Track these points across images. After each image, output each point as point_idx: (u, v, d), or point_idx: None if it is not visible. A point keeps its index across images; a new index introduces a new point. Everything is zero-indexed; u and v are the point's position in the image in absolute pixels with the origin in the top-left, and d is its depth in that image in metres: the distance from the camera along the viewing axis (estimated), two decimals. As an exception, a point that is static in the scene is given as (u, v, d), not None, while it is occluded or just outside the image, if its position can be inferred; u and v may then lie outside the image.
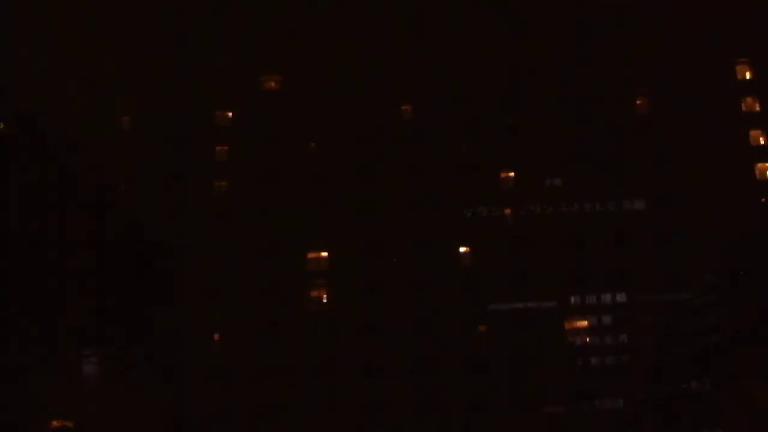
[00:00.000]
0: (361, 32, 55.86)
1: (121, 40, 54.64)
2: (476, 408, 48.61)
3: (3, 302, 24.97)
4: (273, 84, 56.43)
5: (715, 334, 47.76)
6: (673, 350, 49.42)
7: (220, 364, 49.23)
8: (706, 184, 51.72)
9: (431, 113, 54.61)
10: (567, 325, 50.95)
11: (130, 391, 45.07)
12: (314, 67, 55.35)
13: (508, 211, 53.08)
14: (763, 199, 52.70)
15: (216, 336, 50.92)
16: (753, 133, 54.80)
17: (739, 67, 56.35)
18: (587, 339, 51.08)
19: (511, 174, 53.77)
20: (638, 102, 55.85)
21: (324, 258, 52.31)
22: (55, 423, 43.56)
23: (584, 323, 51.10)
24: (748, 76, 56.42)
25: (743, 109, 55.49)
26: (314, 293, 51.97)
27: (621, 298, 51.32)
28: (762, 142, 54.74)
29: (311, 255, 52.30)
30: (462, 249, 52.53)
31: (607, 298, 51.31)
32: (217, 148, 54.44)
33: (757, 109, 55.45)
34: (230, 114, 55.42)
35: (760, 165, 53.85)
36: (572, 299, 51.33)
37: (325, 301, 51.89)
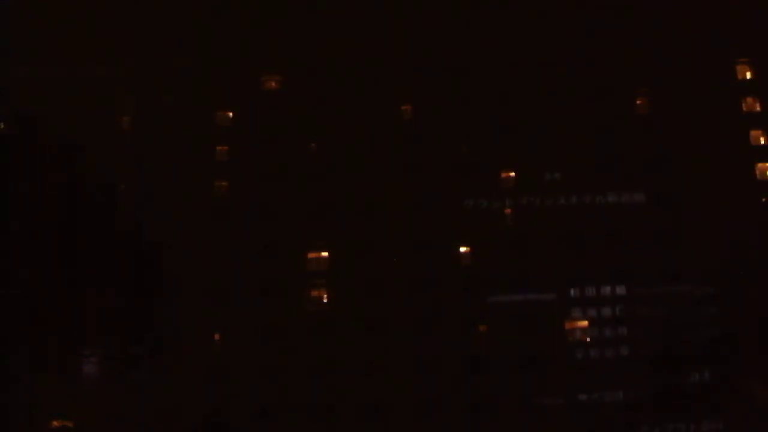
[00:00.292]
0: (361, 32, 55.88)
1: (121, 40, 54.62)
2: (476, 408, 48.62)
3: (3, 302, 24.99)
4: (273, 84, 56.45)
5: (715, 326, 47.89)
6: (673, 343, 49.42)
7: (220, 364, 49.21)
8: (706, 185, 51.78)
9: (431, 113, 54.62)
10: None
11: (130, 391, 45.13)
12: (314, 67, 55.37)
13: (508, 211, 53.10)
14: (763, 199, 52.73)
15: (216, 336, 50.90)
16: (753, 133, 54.83)
17: (739, 67, 56.38)
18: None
19: (512, 174, 53.75)
20: (638, 102, 55.86)
21: (324, 258, 52.30)
22: (55, 423, 43.62)
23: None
24: (748, 76, 56.45)
25: (743, 109, 55.52)
26: (314, 293, 51.97)
27: (621, 290, 51.39)
28: (762, 142, 54.77)
29: (311, 255, 52.29)
30: (462, 249, 52.53)
31: (606, 290, 51.42)
32: (217, 148, 54.45)
33: (757, 109, 55.49)
34: (230, 114, 55.43)
35: (760, 165, 53.88)
36: (572, 291, 51.39)
37: (325, 301, 51.88)
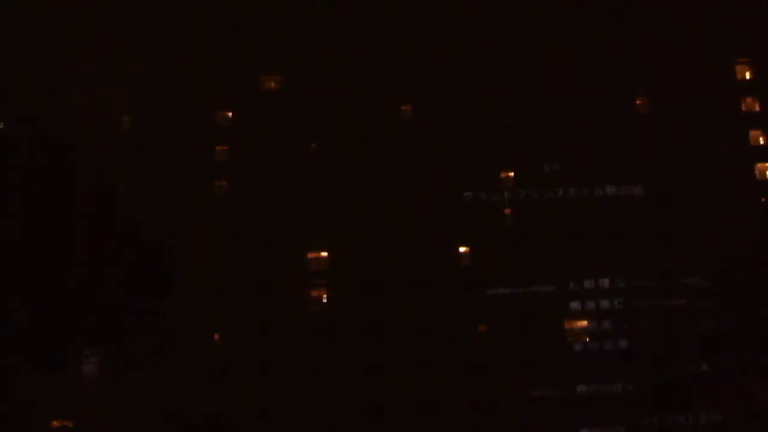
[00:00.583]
0: (361, 32, 55.89)
1: (122, 40, 54.65)
2: (476, 408, 48.60)
3: (3, 302, 24.97)
4: (273, 84, 56.45)
5: (714, 320, 47.97)
6: (672, 335, 49.47)
7: (220, 364, 49.20)
8: (706, 185, 51.81)
9: (431, 113, 54.62)
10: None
11: (130, 391, 45.10)
12: (314, 67, 55.38)
13: (507, 211, 53.14)
14: (763, 199, 52.72)
15: (216, 336, 50.90)
16: (753, 133, 54.83)
17: (739, 67, 56.39)
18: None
19: (511, 174, 53.80)
20: (638, 102, 55.88)
21: (324, 258, 52.30)
22: (55, 423, 43.63)
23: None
24: (748, 76, 56.45)
25: (743, 109, 55.53)
26: (314, 293, 51.96)
27: (619, 283, 51.51)
28: (762, 142, 54.77)
29: (311, 255, 52.29)
30: (462, 249, 52.53)
31: (605, 282, 51.52)
32: (217, 148, 54.46)
33: (757, 109, 55.49)
34: (230, 114, 55.43)
35: (760, 165, 53.88)
36: (571, 284, 51.45)
37: (325, 301, 51.87)
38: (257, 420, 48.12)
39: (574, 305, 51.21)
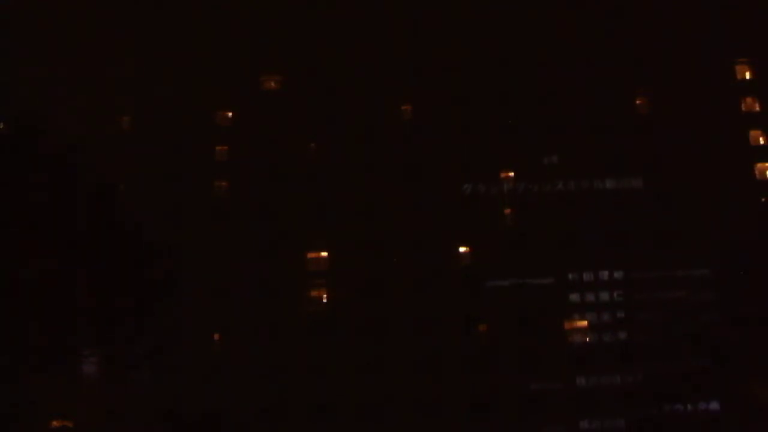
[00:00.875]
0: (361, 32, 55.88)
1: (122, 40, 54.63)
2: (476, 408, 48.61)
3: (3, 302, 24.97)
4: (273, 84, 56.45)
5: (714, 311, 48.04)
6: (671, 327, 49.51)
7: (220, 364, 49.19)
8: (706, 184, 51.85)
9: (431, 113, 54.62)
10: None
11: (130, 391, 45.07)
12: (314, 67, 55.37)
13: (507, 208, 53.20)
14: (763, 199, 52.73)
15: (216, 336, 50.90)
16: (753, 133, 54.85)
17: (739, 67, 56.40)
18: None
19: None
20: (638, 101, 55.91)
21: (324, 258, 52.31)
22: (55, 423, 43.59)
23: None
24: (748, 76, 56.46)
25: (743, 109, 55.54)
26: (314, 293, 51.96)
27: (618, 275, 51.68)
28: (762, 142, 54.77)
29: (311, 255, 52.29)
30: (462, 249, 52.54)
31: (604, 275, 51.57)
32: (217, 148, 54.46)
33: (757, 109, 55.50)
34: (230, 114, 55.43)
35: (760, 165, 53.89)
36: (570, 276, 51.47)
37: (325, 301, 51.87)
38: (257, 420, 48.12)
39: (574, 297, 51.35)
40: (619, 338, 50.69)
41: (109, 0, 55.36)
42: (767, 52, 55.83)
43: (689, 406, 48.20)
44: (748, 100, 55.71)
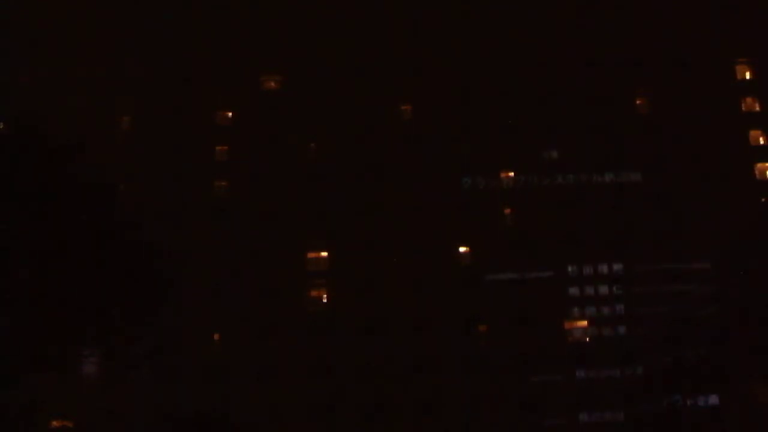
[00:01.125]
0: (361, 32, 55.87)
1: (122, 40, 54.63)
2: (474, 408, 48.59)
3: (3, 303, 24.96)
4: (273, 84, 56.45)
5: (714, 304, 48.08)
6: (670, 320, 49.59)
7: (220, 364, 49.18)
8: (706, 185, 51.88)
9: (431, 113, 54.62)
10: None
11: (130, 391, 45.07)
12: (314, 67, 55.37)
13: (507, 211, 53.27)
14: (763, 199, 52.74)
15: (216, 336, 50.89)
16: (753, 133, 54.86)
17: (739, 67, 56.41)
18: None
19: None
20: (638, 101, 55.94)
21: (324, 258, 52.30)
22: (55, 423, 43.57)
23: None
24: (748, 76, 56.47)
25: (743, 109, 55.55)
26: (314, 293, 51.95)
27: (618, 268, 51.79)
28: (762, 142, 54.78)
29: (311, 255, 52.28)
30: (462, 249, 52.54)
31: (603, 268, 51.64)
32: (217, 148, 54.45)
33: (757, 109, 55.52)
34: (230, 114, 55.43)
35: (760, 165, 53.90)
36: (569, 269, 51.54)
37: (325, 301, 51.86)
38: (257, 420, 48.07)
39: (573, 290, 51.44)
40: (619, 333, 50.75)
41: (109, 0, 55.35)
42: (767, 52, 55.81)
43: (689, 400, 48.24)
44: (748, 100, 55.72)
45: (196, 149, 53.64)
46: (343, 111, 54.31)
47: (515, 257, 51.33)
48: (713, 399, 48.26)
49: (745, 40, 55.32)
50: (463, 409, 48.58)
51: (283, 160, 53.63)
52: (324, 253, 52.35)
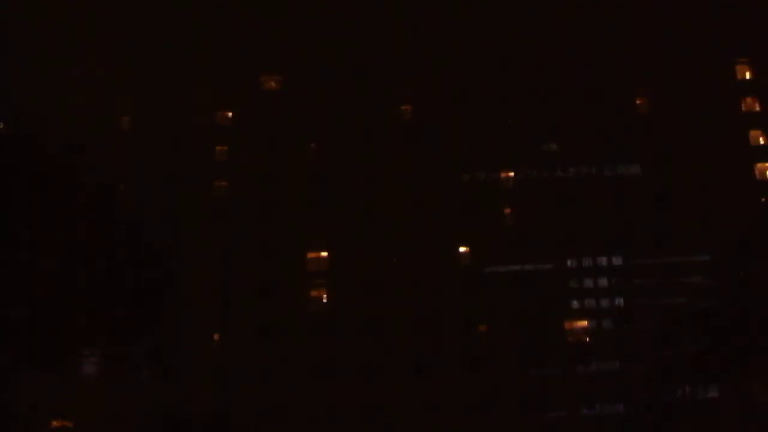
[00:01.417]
0: (361, 32, 55.86)
1: (122, 40, 54.62)
2: (475, 407, 48.61)
3: (3, 302, 24.97)
4: (273, 84, 56.44)
5: (713, 297, 48.10)
6: (670, 313, 49.62)
7: (220, 364, 49.18)
8: (706, 185, 51.92)
9: (431, 113, 54.62)
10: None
11: (130, 391, 45.10)
12: (314, 67, 55.36)
13: (507, 210, 53.31)
14: (763, 199, 52.73)
15: (216, 336, 50.88)
16: (753, 133, 54.85)
17: (739, 67, 56.40)
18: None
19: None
20: (638, 102, 55.94)
21: (324, 258, 52.29)
22: (55, 423, 43.60)
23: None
24: (748, 76, 56.46)
25: (743, 109, 55.54)
26: (314, 293, 51.94)
27: (617, 261, 51.90)
28: (762, 142, 54.78)
29: (311, 255, 52.27)
30: (462, 249, 52.55)
31: (603, 261, 51.72)
32: (217, 148, 54.45)
33: (757, 109, 55.50)
34: (230, 114, 55.42)
35: (760, 165, 53.90)
36: (569, 262, 51.61)
37: (325, 301, 51.85)
38: (257, 420, 48.10)
39: (573, 284, 51.48)
40: (619, 326, 50.86)
41: (109, 0, 55.32)
42: (767, 52, 55.80)
43: (688, 393, 48.35)
44: (748, 100, 55.71)
45: (196, 149, 53.61)
46: (343, 111, 54.29)
47: (515, 249, 51.33)
48: (712, 393, 48.29)
49: (745, 40, 55.29)
50: (463, 409, 48.57)
51: (283, 160, 53.61)
52: (324, 253, 52.34)
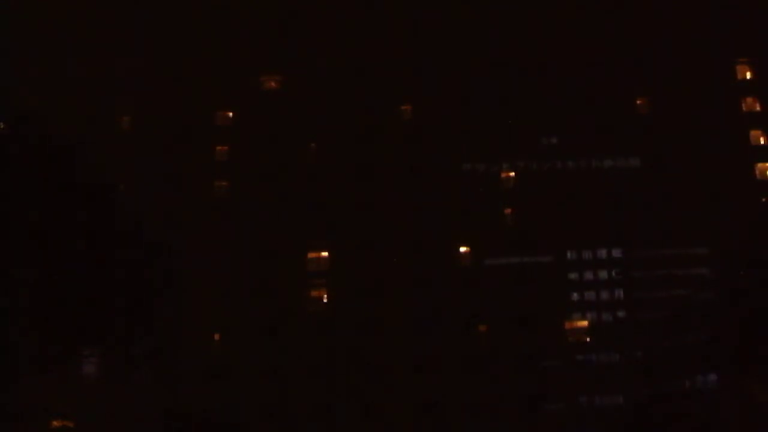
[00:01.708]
0: (361, 32, 55.86)
1: (122, 40, 54.62)
2: (475, 408, 48.60)
3: (3, 302, 24.98)
4: (273, 84, 56.45)
5: (713, 289, 48.15)
6: (669, 305, 49.66)
7: (220, 364, 49.18)
8: (706, 185, 51.92)
9: (431, 113, 54.62)
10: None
11: (130, 391, 45.05)
12: (314, 67, 55.36)
13: (508, 211, 53.33)
14: (763, 199, 52.73)
15: (216, 336, 50.88)
16: (753, 133, 54.86)
17: (739, 67, 56.40)
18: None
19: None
20: (638, 102, 55.96)
21: (324, 258, 52.30)
22: (55, 423, 43.54)
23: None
24: (748, 76, 56.46)
25: (743, 109, 55.54)
26: (314, 293, 51.94)
27: (617, 253, 52.02)
28: (762, 142, 54.78)
29: (311, 255, 52.28)
30: (462, 249, 52.56)
31: (602, 253, 51.77)
32: (217, 148, 54.45)
33: (757, 109, 55.51)
34: (230, 114, 55.43)
35: (760, 165, 53.90)
36: (569, 254, 51.64)
37: (325, 301, 51.86)
38: (257, 420, 48.08)
39: (573, 275, 51.51)
40: (619, 318, 50.94)
41: (110, 0, 55.34)
42: (767, 52, 55.80)
43: (687, 385, 48.44)
44: (748, 100, 55.72)
45: (196, 149, 53.61)
46: (343, 111, 54.29)
47: (515, 258, 51.36)
48: (712, 386, 48.31)
49: (745, 40, 55.29)
50: (463, 409, 48.57)
51: (283, 160, 53.61)
52: (324, 253, 52.35)
